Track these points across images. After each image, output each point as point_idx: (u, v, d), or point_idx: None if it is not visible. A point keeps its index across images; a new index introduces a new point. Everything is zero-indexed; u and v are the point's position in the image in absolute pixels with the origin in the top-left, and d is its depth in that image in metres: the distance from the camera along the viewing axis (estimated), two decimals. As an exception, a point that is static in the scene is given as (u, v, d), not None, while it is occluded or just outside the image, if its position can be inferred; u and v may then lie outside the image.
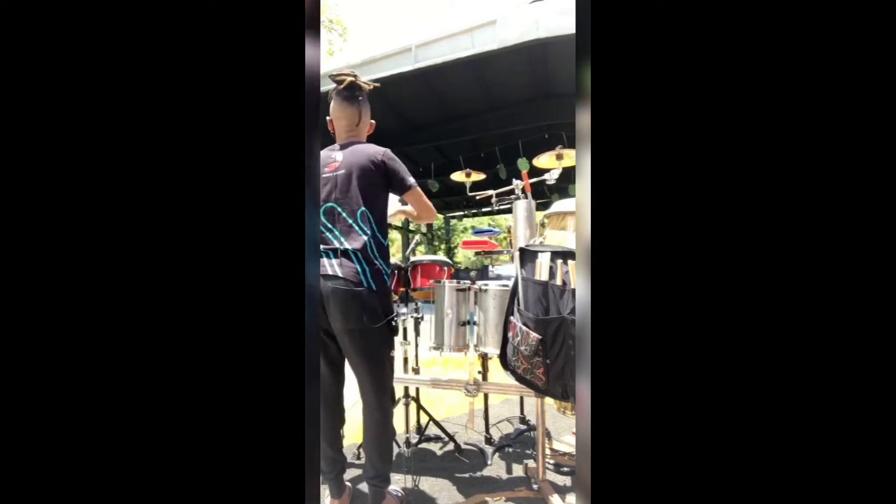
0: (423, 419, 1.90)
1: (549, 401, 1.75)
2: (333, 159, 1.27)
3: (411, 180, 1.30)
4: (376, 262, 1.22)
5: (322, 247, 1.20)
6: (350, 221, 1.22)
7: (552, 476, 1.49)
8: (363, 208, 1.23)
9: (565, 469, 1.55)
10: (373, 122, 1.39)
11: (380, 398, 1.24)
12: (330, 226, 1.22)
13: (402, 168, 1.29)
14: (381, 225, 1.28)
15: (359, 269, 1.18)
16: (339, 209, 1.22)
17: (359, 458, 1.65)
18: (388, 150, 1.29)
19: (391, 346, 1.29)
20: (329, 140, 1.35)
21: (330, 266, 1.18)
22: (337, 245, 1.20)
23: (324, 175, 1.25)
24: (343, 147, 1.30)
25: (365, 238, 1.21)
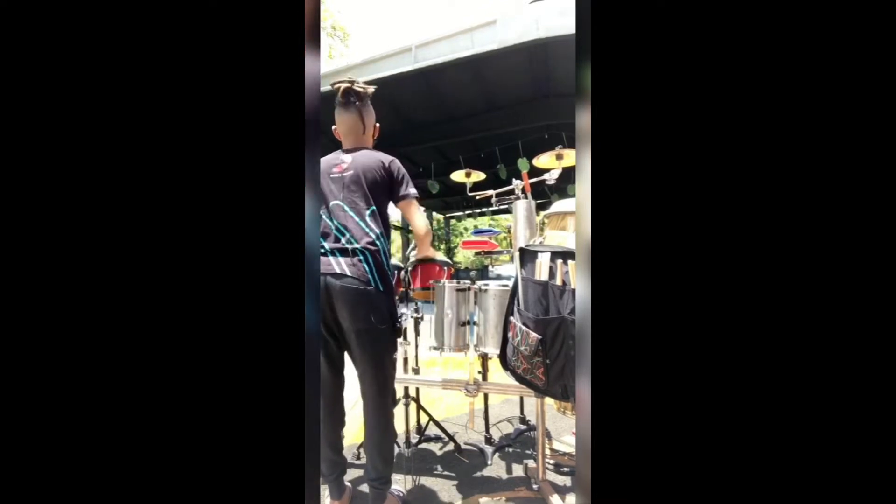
0: (423, 419, 1.90)
1: (549, 401, 1.75)
2: (341, 160, 1.28)
3: (412, 191, 1.30)
4: (383, 262, 1.23)
5: (329, 245, 1.20)
6: (358, 220, 1.22)
7: (552, 476, 1.49)
8: (373, 208, 1.24)
9: (565, 469, 1.55)
10: (377, 124, 1.39)
11: (381, 399, 1.24)
12: (339, 224, 1.22)
13: (407, 177, 1.31)
14: (387, 225, 1.29)
15: (367, 269, 1.18)
16: (348, 209, 1.23)
17: (359, 458, 1.65)
18: (396, 160, 1.31)
19: (395, 348, 1.29)
20: (330, 144, 1.35)
21: (338, 265, 1.17)
22: (346, 244, 1.20)
23: (332, 176, 1.26)
24: (350, 151, 1.31)
25: (373, 237, 1.22)
